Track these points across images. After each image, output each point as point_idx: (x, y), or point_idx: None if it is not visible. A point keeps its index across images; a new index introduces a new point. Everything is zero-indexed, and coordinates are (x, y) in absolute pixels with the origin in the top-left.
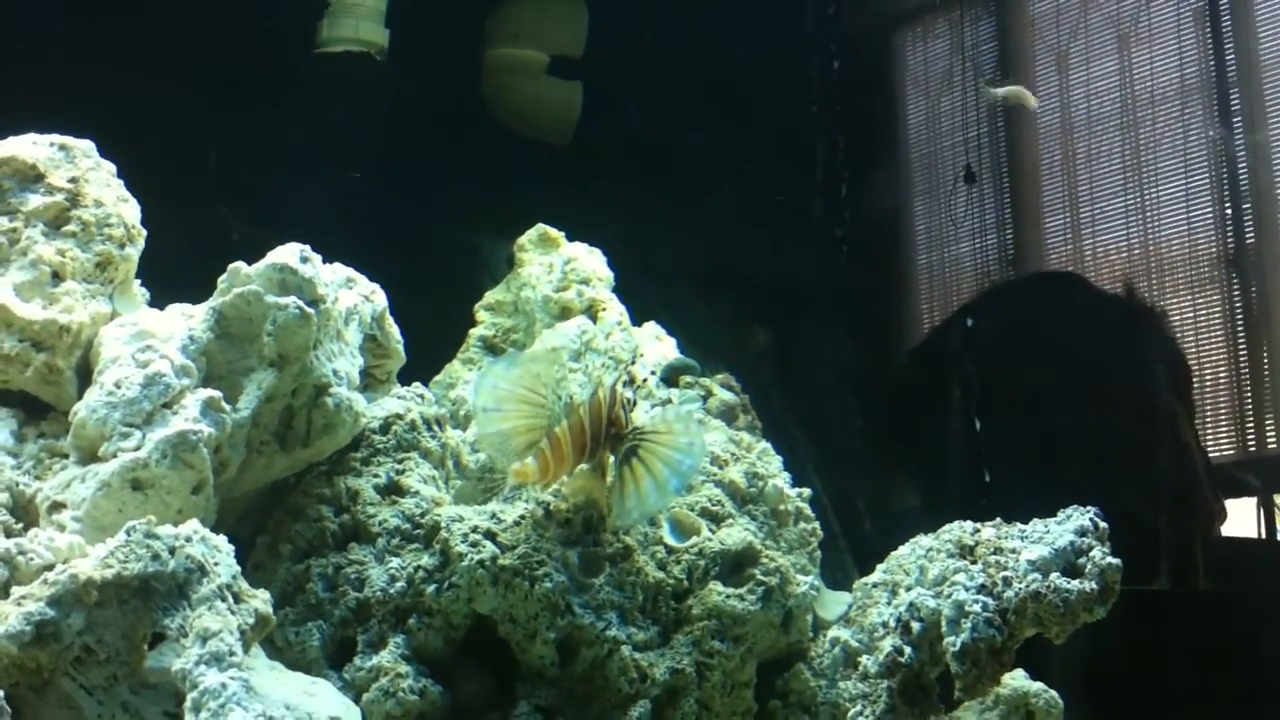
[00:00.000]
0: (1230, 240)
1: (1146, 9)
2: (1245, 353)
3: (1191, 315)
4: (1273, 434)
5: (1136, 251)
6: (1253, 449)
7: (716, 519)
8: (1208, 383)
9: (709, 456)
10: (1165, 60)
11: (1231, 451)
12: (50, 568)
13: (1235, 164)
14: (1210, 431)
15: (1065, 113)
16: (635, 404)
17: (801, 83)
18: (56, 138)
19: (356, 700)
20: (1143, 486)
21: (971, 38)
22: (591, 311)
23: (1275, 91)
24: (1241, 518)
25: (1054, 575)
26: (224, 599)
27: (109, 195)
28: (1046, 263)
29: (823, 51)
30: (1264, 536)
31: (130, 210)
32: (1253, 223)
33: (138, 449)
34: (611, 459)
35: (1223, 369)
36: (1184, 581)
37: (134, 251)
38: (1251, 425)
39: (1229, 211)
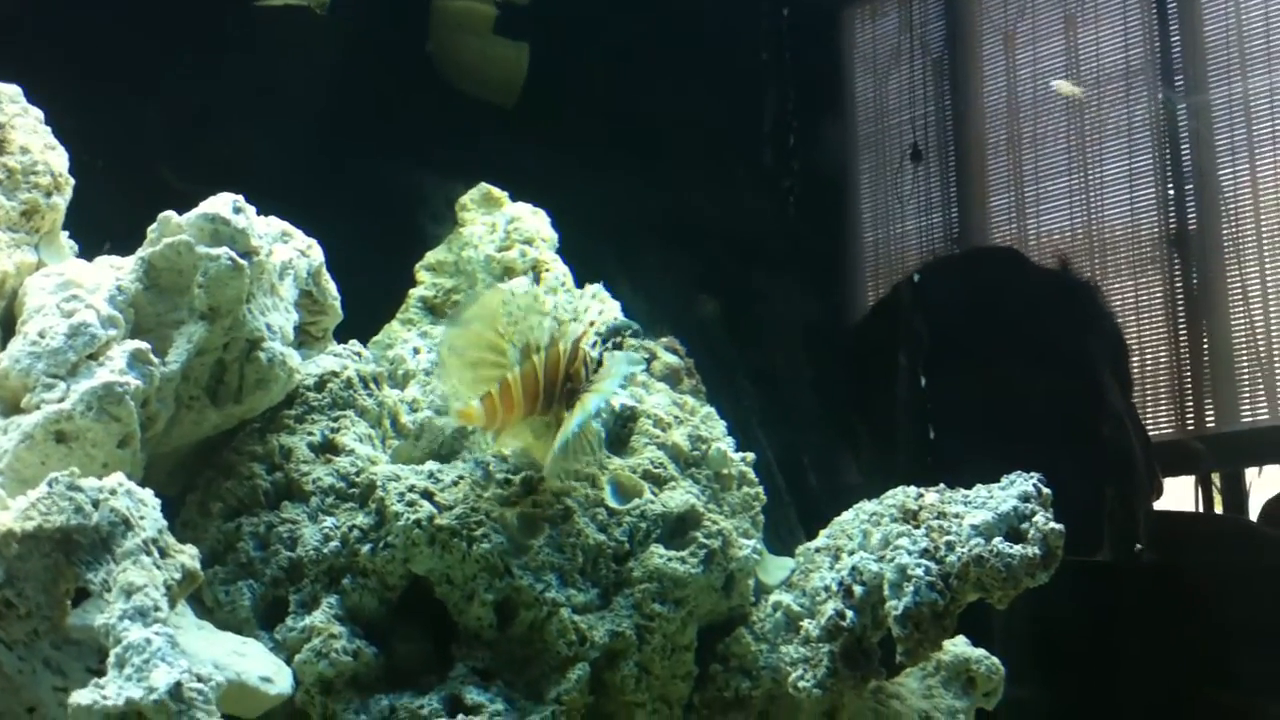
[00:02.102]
0: (1172, 221)
1: None
2: (1185, 333)
3: (1133, 295)
4: (1211, 413)
5: (1080, 231)
6: (1191, 428)
7: (659, 481)
8: (1148, 362)
9: (652, 418)
10: (1111, 41)
11: (1171, 430)
12: None
13: (1178, 145)
14: (1150, 410)
15: (1012, 93)
16: (599, 364)
17: (753, 32)
18: None
19: (288, 661)
20: (1081, 457)
21: (920, 16)
22: (535, 272)
23: (1219, 73)
24: (1180, 496)
25: (997, 540)
26: (149, 553)
27: (36, 142)
28: (990, 242)
29: (779, 16)
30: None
31: (58, 158)
32: (1194, 204)
33: (62, 400)
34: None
35: (1163, 349)
36: (1123, 552)
37: (61, 200)
38: (1190, 404)
39: (1171, 192)
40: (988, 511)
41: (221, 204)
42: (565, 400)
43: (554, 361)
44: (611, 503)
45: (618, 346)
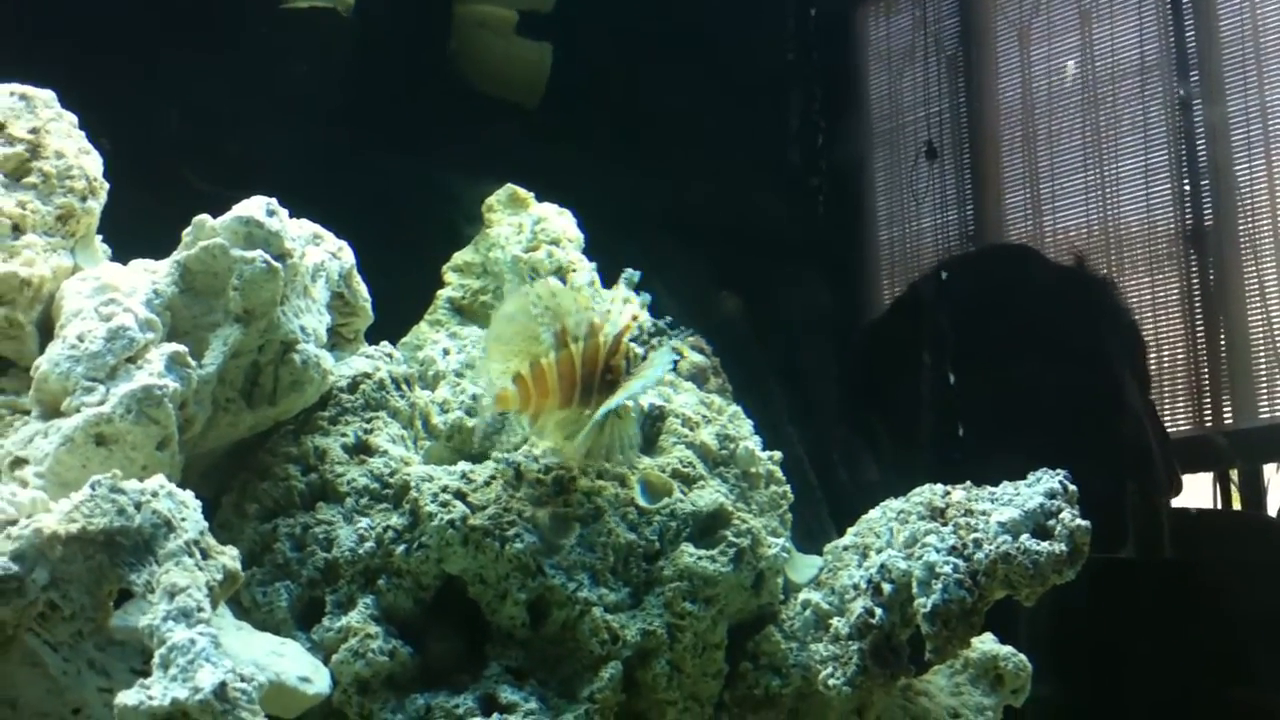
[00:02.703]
0: (1189, 217)
1: None
2: (1202, 329)
3: (1150, 292)
4: (1229, 410)
5: (1096, 228)
6: (1209, 424)
7: (688, 480)
8: (1165, 359)
9: (680, 418)
10: (1126, 37)
11: (1189, 427)
12: (13, 523)
13: (1194, 141)
14: (1168, 407)
15: (1026, 89)
16: (641, 360)
17: (778, 30)
18: (17, 87)
19: (325, 661)
20: (1102, 454)
21: (934, 13)
22: (561, 273)
23: (1234, 69)
24: (1198, 492)
25: (1024, 537)
26: (191, 555)
27: (70, 147)
28: (1006, 239)
29: (795, 14)
30: (1220, 508)
31: (92, 163)
32: (1210, 200)
33: (101, 404)
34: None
35: (1180, 345)
36: (1145, 549)
37: (96, 205)
38: (1208, 401)
39: (1188, 188)
40: (1015, 509)
41: (255, 207)
42: (605, 392)
43: (593, 352)
44: (641, 502)
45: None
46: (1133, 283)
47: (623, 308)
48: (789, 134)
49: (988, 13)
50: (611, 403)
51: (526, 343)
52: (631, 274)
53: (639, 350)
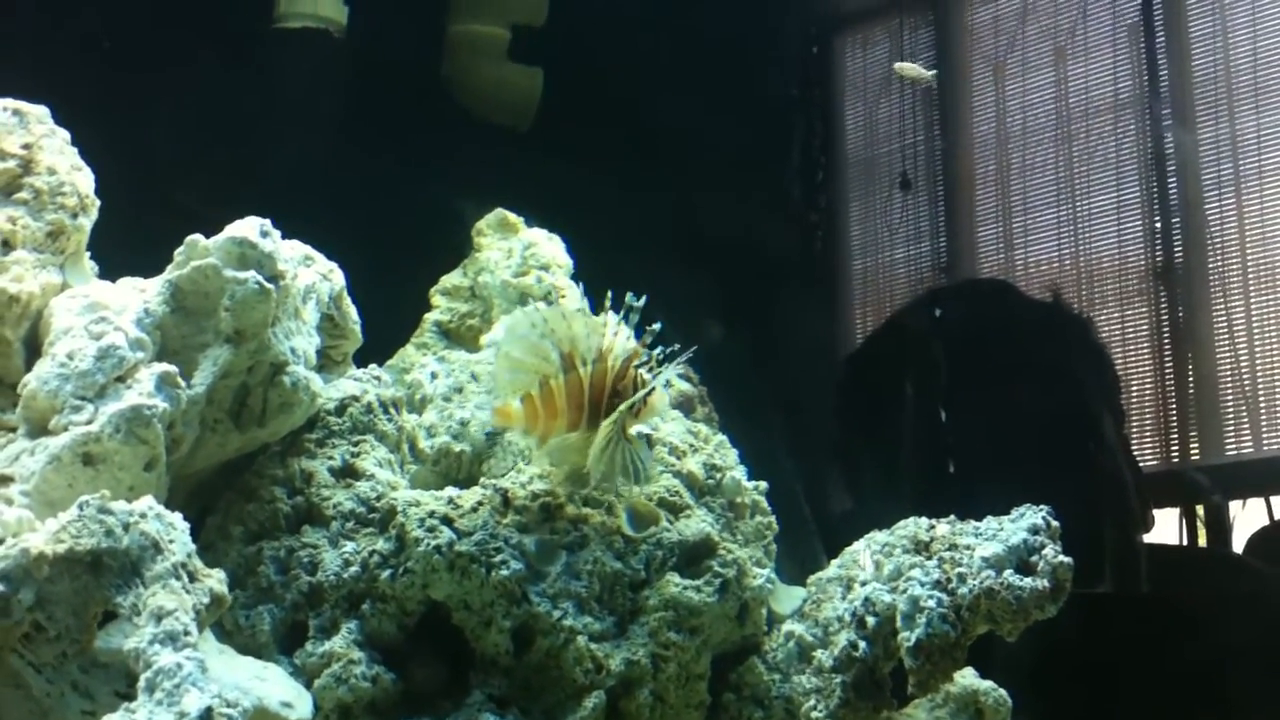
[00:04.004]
0: (1159, 254)
1: (1083, 23)
2: (1171, 365)
3: (1120, 327)
4: (1196, 446)
5: (1068, 263)
6: (1176, 460)
7: (675, 510)
8: (1134, 394)
9: (667, 446)
10: (1100, 74)
11: (1156, 462)
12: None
13: (1166, 178)
14: (1136, 442)
15: (1001, 123)
16: (647, 387)
17: (778, 62)
18: (10, 102)
19: (308, 686)
20: (1079, 489)
21: (910, 45)
22: (550, 298)
23: (1206, 107)
24: (1165, 528)
25: (1007, 572)
26: (179, 577)
27: (63, 163)
28: (979, 272)
29: (803, 34)
30: (1187, 544)
31: (84, 179)
32: (1181, 237)
33: (90, 422)
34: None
35: (1149, 381)
36: (1121, 584)
37: (87, 222)
38: (1176, 436)
39: (1159, 225)
40: (998, 544)
41: (249, 228)
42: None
43: (601, 376)
44: (628, 530)
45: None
46: (1103, 317)
47: (628, 334)
48: (787, 161)
49: (963, 47)
50: (620, 409)
51: (536, 363)
52: (632, 299)
53: (647, 376)
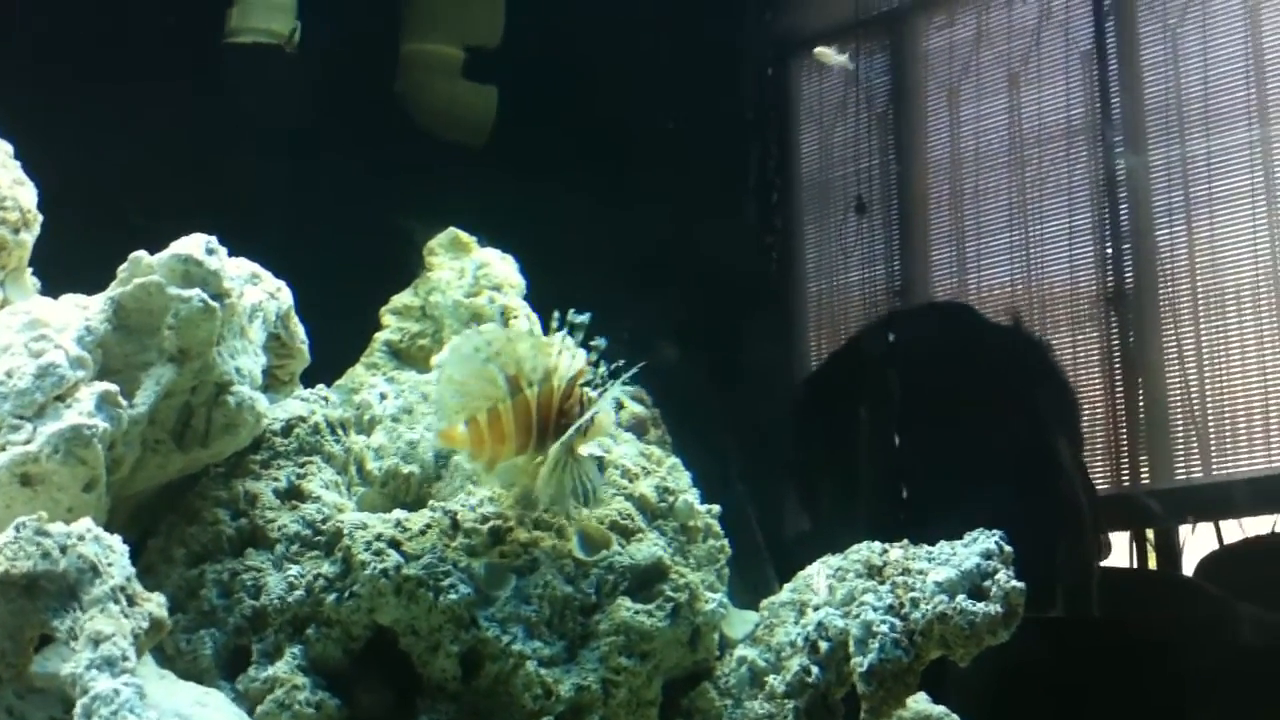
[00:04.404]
0: (1110, 279)
1: (1036, 50)
2: (1121, 390)
3: (1071, 352)
4: (1146, 470)
5: (1020, 287)
6: (1127, 484)
7: (626, 533)
8: (1085, 418)
9: (619, 469)
10: (1053, 100)
11: (1107, 486)
12: None
13: (1118, 204)
14: (1087, 466)
15: (955, 148)
16: (591, 404)
17: (734, 84)
18: None
19: (250, 712)
20: (1036, 513)
21: (865, 70)
22: (503, 319)
23: (1157, 135)
24: (1116, 551)
25: (960, 597)
26: (117, 601)
27: (4, 177)
28: (932, 295)
29: (758, 56)
30: (1139, 568)
31: (26, 194)
32: (1132, 263)
33: (28, 442)
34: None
35: (1100, 405)
36: (1075, 607)
37: (29, 237)
38: (1126, 461)
39: (1110, 251)
40: (951, 569)
41: (194, 245)
42: (558, 438)
43: (547, 397)
44: (579, 554)
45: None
46: (1055, 342)
47: (576, 352)
48: (743, 183)
49: (918, 72)
50: (568, 433)
51: (482, 386)
52: (575, 316)
53: (593, 395)
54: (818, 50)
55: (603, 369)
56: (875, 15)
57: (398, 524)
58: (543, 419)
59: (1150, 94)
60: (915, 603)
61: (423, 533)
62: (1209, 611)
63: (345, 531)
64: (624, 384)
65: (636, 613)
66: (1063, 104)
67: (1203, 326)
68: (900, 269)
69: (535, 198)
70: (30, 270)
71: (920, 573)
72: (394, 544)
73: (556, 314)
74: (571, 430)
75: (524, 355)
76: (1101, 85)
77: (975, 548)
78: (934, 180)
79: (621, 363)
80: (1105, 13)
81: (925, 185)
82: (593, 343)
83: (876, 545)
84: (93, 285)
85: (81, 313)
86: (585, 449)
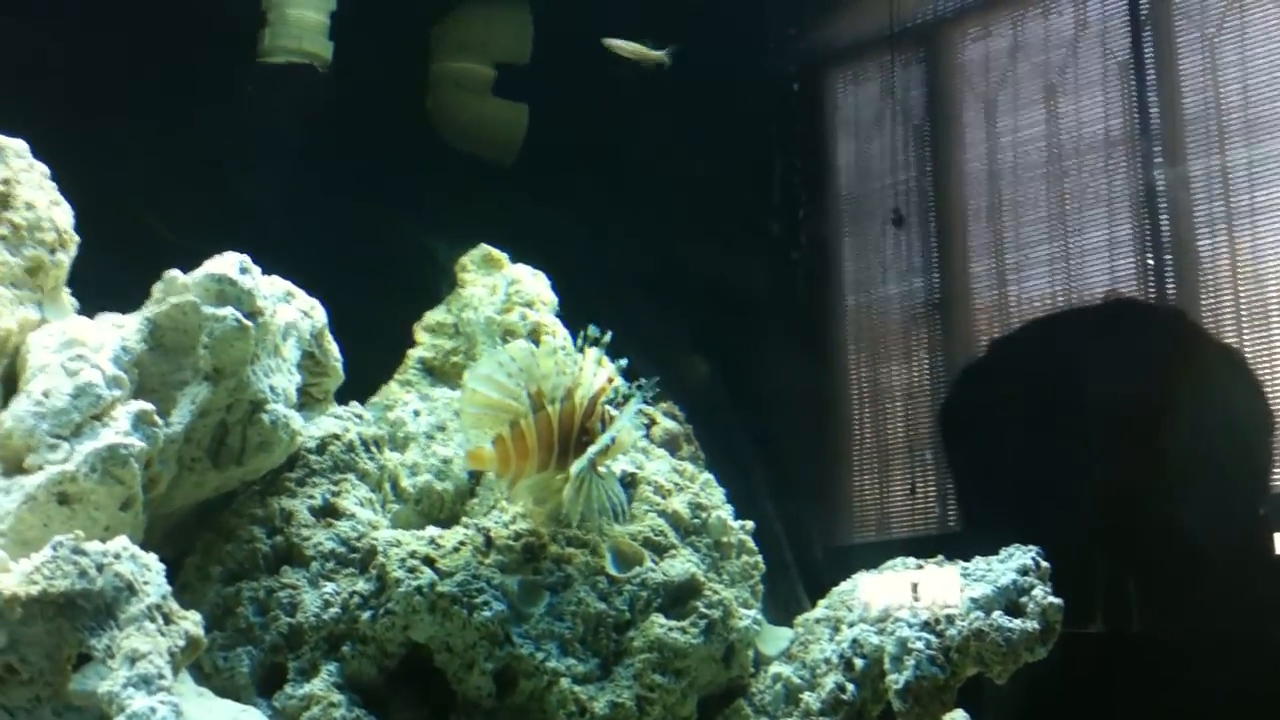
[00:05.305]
0: (1152, 290)
1: (1074, 61)
2: None
3: None
4: None
5: (1060, 299)
6: None
7: (659, 549)
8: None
9: (652, 485)
10: (1091, 111)
11: None
12: None
13: (1158, 215)
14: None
15: (993, 160)
16: (614, 421)
17: (760, 101)
18: None
19: None
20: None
21: (902, 82)
22: (534, 335)
23: (1197, 145)
24: None
25: (996, 613)
26: (153, 619)
27: (41, 199)
28: (971, 308)
29: (782, 72)
30: None
31: (63, 215)
32: (1174, 274)
33: (65, 461)
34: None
35: None
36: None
37: (65, 258)
38: None
39: (1151, 262)
40: (987, 585)
41: (228, 264)
42: (580, 454)
43: (569, 414)
44: (612, 571)
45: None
46: None
47: (596, 369)
48: (767, 200)
49: (954, 84)
50: (590, 452)
51: (504, 404)
52: (594, 331)
53: (614, 412)
54: (608, 42)
55: (621, 384)
56: (910, 27)
57: (431, 541)
58: (564, 435)
59: (1189, 104)
60: (951, 619)
61: (456, 550)
62: None
63: (379, 549)
64: (655, 401)
65: (670, 629)
66: (1100, 115)
67: (1245, 337)
68: (940, 281)
69: (560, 217)
70: (68, 290)
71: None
72: (428, 561)
73: (581, 332)
74: (594, 447)
75: (545, 372)
76: (1140, 96)
77: (1011, 564)
78: (972, 192)
79: (642, 381)
80: (1143, 23)
81: (963, 197)
82: (615, 361)
83: (911, 560)
84: (123, 300)
85: (117, 332)
86: (615, 465)
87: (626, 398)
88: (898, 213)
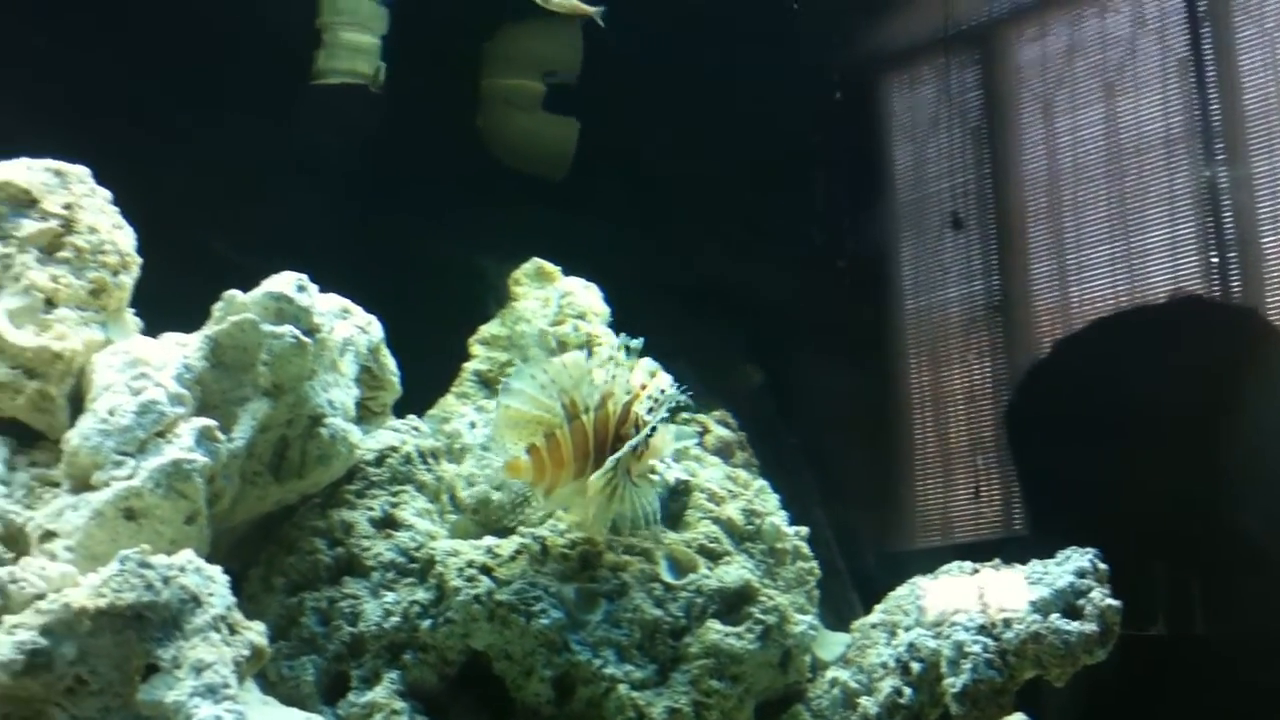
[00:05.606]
0: (1216, 289)
1: (1132, 58)
2: None
3: None
4: None
5: (1123, 299)
6: None
7: (714, 556)
8: None
9: (705, 493)
10: (1150, 109)
11: None
12: (42, 597)
13: (1221, 213)
14: None
15: (1051, 160)
16: (653, 430)
17: (803, 112)
18: (51, 163)
19: None
20: None
21: (958, 84)
22: (587, 346)
23: (1259, 142)
24: None
25: (1054, 616)
26: (218, 630)
27: (104, 222)
28: (1033, 309)
29: (824, 81)
30: None
31: (125, 237)
32: (1238, 273)
33: (131, 477)
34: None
35: None
36: None
37: (128, 279)
38: None
39: (1215, 261)
40: (1044, 587)
41: (286, 282)
42: None
43: (603, 422)
44: (667, 577)
45: (669, 420)
46: None
47: (629, 375)
48: (815, 211)
49: (1011, 85)
50: (616, 455)
51: (539, 414)
52: (628, 340)
53: (647, 417)
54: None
55: (669, 393)
56: (965, 29)
57: (489, 550)
58: (600, 444)
59: (1250, 100)
60: (1008, 622)
61: (513, 558)
62: None
63: (438, 558)
64: (707, 409)
65: (726, 635)
66: (1160, 113)
67: None
68: (1000, 283)
69: (607, 231)
70: (131, 310)
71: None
72: (485, 570)
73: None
74: (620, 451)
75: (577, 381)
76: (1200, 92)
77: (1069, 566)
78: (1031, 193)
79: (681, 387)
80: (1201, 19)
81: (1022, 198)
82: (654, 371)
83: (966, 564)
84: (191, 320)
85: (180, 351)
86: (667, 473)
87: (678, 409)
88: (956, 216)
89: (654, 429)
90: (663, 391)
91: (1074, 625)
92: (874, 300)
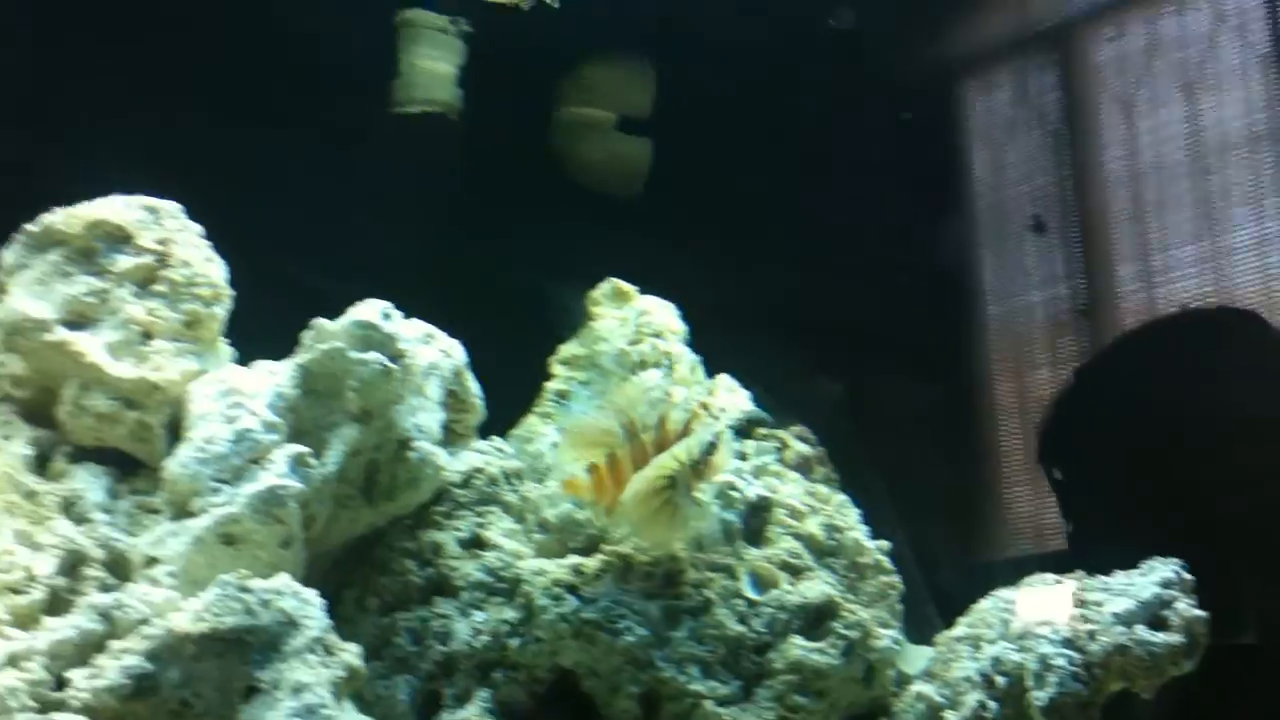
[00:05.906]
0: None
1: (1212, 56)
2: None
3: None
4: None
5: (1211, 299)
6: None
7: (795, 572)
8: None
9: (786, 509)
10: (1232, 107)
11: None
12: (146, 622)
13: None
14: None
15: (1133, 160)
16: (715, 449)
17: (873, 127)
18: (145, 200)
19: None
20: None
21: (1036, 87)
22: (665, 364)
23: None
24: None
25: (1139, 628)
26: (315, 652)
27: (196, 256)
28: (1120, 311)
29: (892, 97)
30: None
31: (216, 270)
32: None
33: (228, 504)
34: None
35: None
36: None
37: (221, 310)
38: None
39: None
40: (1129, 599)
41: (371, 311)
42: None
43: (662, 441)
44: (750, 594)
45: (749, 437)
46: None
47: (703, 393)
48: (891, 225)
49: (1090, 86)
50: (657, 470)
51: (598, 435)
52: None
53: (700, 434)
54: None
55: (748, 410)
56: (1042, 31)
57: (574, 569)
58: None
59: None
60: (1093, 635)
61: (598, 576)
62: None
63: (525, 577)
64: (785, 425)
65: (809, 651)
66: (1243, 110)
67: None
68: (1085, 286)
69: (682, 250)
70: (225, 340)
71: (1097, 604)
72: (571, 588)
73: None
74: (660, 459)
75: (636, 401)
76: None
77: (1153, 576)
78: (1114, 194)
79: (752, 402)
80: None
81: (1105, 200)
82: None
83: (1049, 576)
84: (278, 344)
85: (271, 379)
86: (748, 490)
87: (755, 424)
88: (1038, 219)
89: (712, 445)
90: (723, 410)
91: (1159, 636)
92: (955, 309)
